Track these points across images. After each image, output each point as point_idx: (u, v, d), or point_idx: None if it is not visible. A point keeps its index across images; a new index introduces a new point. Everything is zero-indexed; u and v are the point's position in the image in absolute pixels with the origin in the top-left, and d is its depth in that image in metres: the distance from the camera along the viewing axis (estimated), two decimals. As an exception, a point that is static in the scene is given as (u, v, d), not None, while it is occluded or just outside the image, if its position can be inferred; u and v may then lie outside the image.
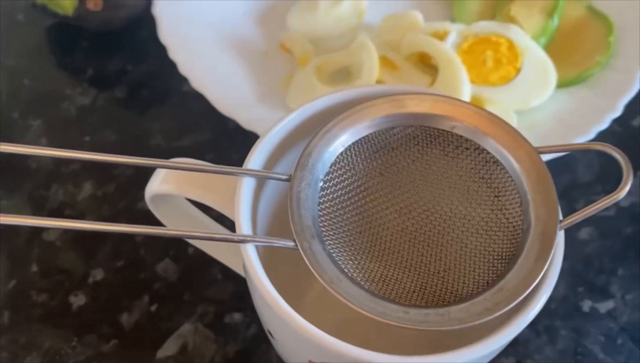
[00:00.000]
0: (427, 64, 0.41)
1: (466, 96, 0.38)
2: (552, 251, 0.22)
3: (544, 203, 0.23)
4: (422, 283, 0.24)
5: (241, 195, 0.23)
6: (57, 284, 0.35)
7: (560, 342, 0.34)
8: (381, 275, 0.24)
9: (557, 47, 0.42)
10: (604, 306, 0.35)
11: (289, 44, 0.43)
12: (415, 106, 0.25)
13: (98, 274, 0.36)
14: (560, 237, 0.23)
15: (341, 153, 0.25)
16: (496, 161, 0.25)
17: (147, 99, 0.43)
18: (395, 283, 0.24)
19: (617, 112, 0.38)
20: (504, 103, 0.39)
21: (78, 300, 0.35)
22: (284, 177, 0.24)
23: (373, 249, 0.25)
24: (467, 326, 0.21)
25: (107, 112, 0.42)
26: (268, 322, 0.24)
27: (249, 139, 0.39)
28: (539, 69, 0.40)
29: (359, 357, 0.20)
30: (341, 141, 0.25)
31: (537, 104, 0.39)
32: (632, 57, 0.41)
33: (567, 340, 0.34)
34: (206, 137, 0.41)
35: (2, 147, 0.21)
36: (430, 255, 0.25)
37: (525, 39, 0.40)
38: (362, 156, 0.26)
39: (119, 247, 0.37)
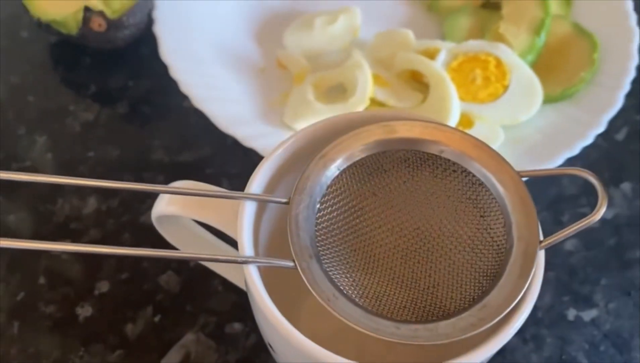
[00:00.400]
0: (418, 81, 0.43)
1: (456, 113, 0.39)
2: (533, 270, 0.24)
3: (525, 224, 0.25)
4: (412, 299, 0.26)
5: (243, 218, 0.25)
6: (64, 296, 0.37)
7: (546, 349, 0.36)
8: (374, 291, 0.26)
9: (543, 64, 0.44)
10: (588, 315, 0.37)
11: (285, 60, 0.45)
12: (406, 131, 0.27)
13: (103, 286, 0.37)
14: (541, 256, 0.24)
15: (337, 176, 0.26)
16: (481, 184, 0.26)
17: (148, 115, 0.44)
18: (387, 299, 0.25)
19: (601, 127, 0.40)
20: (492, 119, 0.40)
21: (84, 311, 0.36)
22: (284, 200, 0.25)
23: (367, 266, 0.27)
24: (453, 340, 0.22)
25: (110, 128, 0.44)
26: (269, 337, 0.25)
27: (247, 154, 0.41)
28: (526, 86, 0.41)
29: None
30: (337, 165, 0.26)
31: (523, 120, 0.41)
32: (615, 74, 0.42)
33: (552, 348, 0.36)
34: (206, 152, 0.43)
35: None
36: (420, 271, 0.27)
37: (512, 57, 0.42)
38: (356, 179, 0.27)
39: (123, 260, 0.38)
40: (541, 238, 0.25)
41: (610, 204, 0.41)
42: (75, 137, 0.43)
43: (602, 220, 0.41)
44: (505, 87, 0.41)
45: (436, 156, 0.27)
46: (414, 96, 0.42)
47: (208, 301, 0.37)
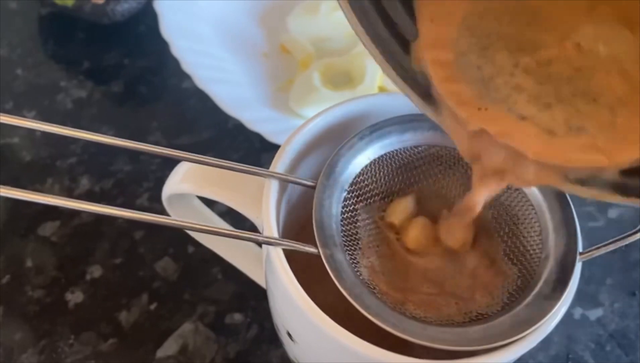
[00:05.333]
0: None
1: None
2: (570, 283, 0.22)
3: (564, 234, 0.24)
4: (437, 301, 0.24)
5: (269, 197, 0.23)
6: (53, 280, 0.35)
7: (553, 347, 0.35)
8: (396, 288, 0.24)
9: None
10: (594, 314, 0.37)
11: (289, 46, 0.43)
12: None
13: (96, 271, 0.35)
14: (578, 268, 0.23)
15: (366, 166, 0.25)
16: (518, 189, 0.25)
17: (145, 95, 0.43)
18: (411, 299, 0.24)
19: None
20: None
21: (75, 297, 0.34)
22: (310, 183, 0.24)
23: (388, 262, 0.25)
24: (482, 348, 0.21)
25: (103, 107, 0.42)
26: (291, 325, 0.24)
27: (249, 139, 0.39)
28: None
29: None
30: (367, 154, 0.25)
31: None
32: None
33: (559, 346, 0.35)
34: (205, 136, 0.41)
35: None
36: (445, 273, 0.25)
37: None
38: (386, 171, 0.26)
39: (117, 244, 0.36)
40: (580, 249, 0.24)
41: (614, 204, 0.41)
42: (66, 114, 0.41)
43: (608, 219, 0.40)
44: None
45: None
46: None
47: (207, 290, 0.35)
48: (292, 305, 0.22)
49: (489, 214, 0.26)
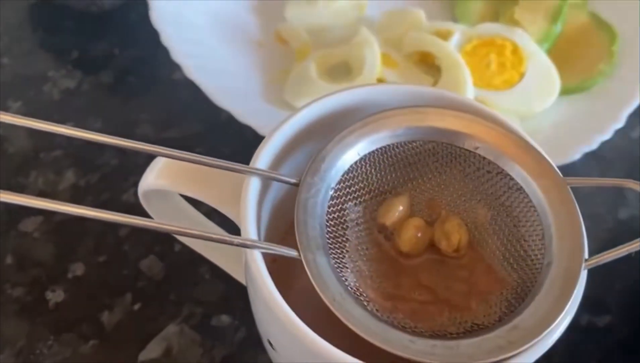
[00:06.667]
0: (428, 63, 0.40)
1: (470, 99, 0.37)
2: (574, 292, 0.21)
3: (568, 238, 0.22)
4: (430, 310, 0.23)
5: (248, 196, 0.21)
6: (34, 278, 0.33)
7: (556, 357, 0.33)
8: (386, 295, 0.23)
9: (559, 54, 0.41)
10: (601, 321, 0.35)
11: (286, 35, 0.42)
12: (439, 121, 0.24)
13: (78, 269, 0.34)
14: (583, 276, 0.21)
15: (356, 162, 0.23)
16: (519, 189, 0.23)
17: (134, 86, 0.41)
18: (401, 307, 0.22)
19: (621, 123, 0.37)
20: (507, 108, 0.38)
21: (56, 296, 0.33)
22: (293, 181, 0.22)
23: (378, 266, 0.24)
24: None
25: (92, 98, 0.40)
26: (271, 333, 0.22)
27: (241, 132, 0.37)
28: (543, 75, 0.39)
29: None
30: (357, 149, 0.23)
31: (539, 111, 0.38)
32: (635, 67, 0.40)
33: (564, 357, 0.33)
34: (196, 129, 0.39)
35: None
36: (439, 278, 0.24)
37: (530, 43, 0.39)
38: (377, 168, 0.24)
39: (101, 241, 0.35)
40: (586, 256, 0.22)
41: (624, 205, 0.39)
42: (53, 105, 0.39)
43: (617, 220, 0.38)
44: (521, 75, 0.39)
45: (470, 152, 0.24)
46: (424, 79, 0.39)
47: (194, 291, 0.33)
48: (270, 313, 0.20)
49: (488, 216, 0.24)
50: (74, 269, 0.34)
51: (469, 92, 0.37)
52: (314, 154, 0.23)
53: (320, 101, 0.24)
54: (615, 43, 0.41)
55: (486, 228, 0.24)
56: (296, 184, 0.22)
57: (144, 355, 0.31)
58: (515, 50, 0.39)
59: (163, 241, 0.34)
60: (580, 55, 0.41)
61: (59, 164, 0.37)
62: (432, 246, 0.24)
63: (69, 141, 0.38)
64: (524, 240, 0.23)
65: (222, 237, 0.20)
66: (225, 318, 0.33)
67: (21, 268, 0.33)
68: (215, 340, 0.32)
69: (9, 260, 0.33)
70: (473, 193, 0.24)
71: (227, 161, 0.22)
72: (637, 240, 0.21)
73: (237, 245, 0.20)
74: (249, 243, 0.20)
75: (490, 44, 0.39)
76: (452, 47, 0.38)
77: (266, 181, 0.23)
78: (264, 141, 0.23)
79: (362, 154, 0.24)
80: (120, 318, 0.32)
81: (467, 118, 0.24)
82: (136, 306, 0.33)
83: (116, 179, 0.37)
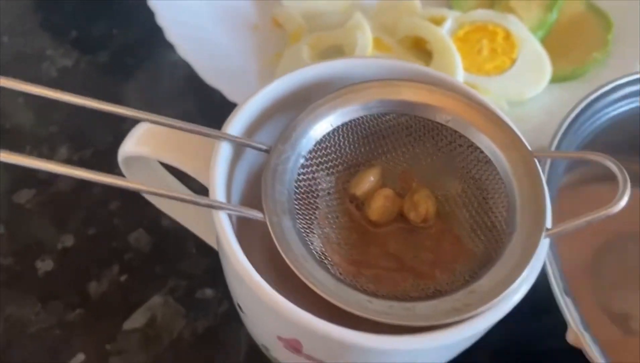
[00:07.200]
0: (421, 49, 0.40)
1: (459, 83, 0.37)
2: (532, 259, 0.21)
3: (533, 209, 0.22)
4: (394, 277, 0.23)
5: (217, 159, 0.22)
6: (25, 248, 0.34)
7: None
8: (351, 261, 0.23)
9: (553, 41, 0.41)
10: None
11: (281, 18, 0.42)
12: (412, 94, 0.24)
13: (68, 240, 0.34)
14: (544, 245, 0.22)
15: (329, 133, 0.24)
16: (488, 161, 0.23)
17: (131, 67, 0.42)
18: (366, 272, 0.23)
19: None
20: (497, 93, 0.38)
21: (45, 265, 0.33)
22: (264, 147, 0.23)
23: (347, 234, 0.24)
24: (432, 324, 0.20)
25: (89, 77, 0.41)
26: (237, 294, 0.23)
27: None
28: (534, 61, 0.39)
29: (329, 333, 0.19)
30: (330, 120, 0.24)
31: (530, 97, 0.38)
32: (629, 56, 0.40)
33: None
34: (189, 109, 0.40)
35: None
36: (407, 248, 0.24)
37: (522, 30, 0.39)
38: (350, 139, 0.25)
39: (92, 214, 0.35)
40: (549, 225, 0.22)
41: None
42: (50, 83, 0.40)
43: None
44: (513, 61, 0.39)
45: (442, 125, 0.24)
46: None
47: (179, 264, 0.34)
48: (234, 274, 0.20)
49: (458, 189, 0.24)
50: (64, 240, 0.34)
51: (459, 77, 0.37)
52: (288, 123, 0.23)
53: (297, 73, 0.25)
54: (611, 32, 0.41)
55: (456, 201, 0.24)
56: (267, 151, 0.23)
57: (128, 325, 0.32)
58: (508, 36, 0.39)
59: (151, 215, 0.35)
60: (575, 43, 0.41)
61: (53, 140, 0.38)
62: (402, 217, 0.24)
63: (65, 118, 0.39)
64: (492, 212, 0.23)
65: (188, 197, 0.20)
66: (209, 292, 0.33)
67: (13, 238, 0.34)
68: (199, 312, 0.32)
69: (1, 229, 0.34)
70: (445, 166, 0.25)
71: (199, 126, 0.22)
72: (596, 211, 0.21)
73: (203, 206, 0.20)
74: (215, 204, 0.21)
75: (483, 30, 0.39)
76: (444, 32, 0.39)
77: (239, 148, 0.24)
78: (236, 108, 0.23)
79: (335, 125, 0.24)
80: (106, 288, 0.33)
81: (440, 92, 0.24)
82: (122, 278, 0.33)
83: (109, 154, 0.37)
